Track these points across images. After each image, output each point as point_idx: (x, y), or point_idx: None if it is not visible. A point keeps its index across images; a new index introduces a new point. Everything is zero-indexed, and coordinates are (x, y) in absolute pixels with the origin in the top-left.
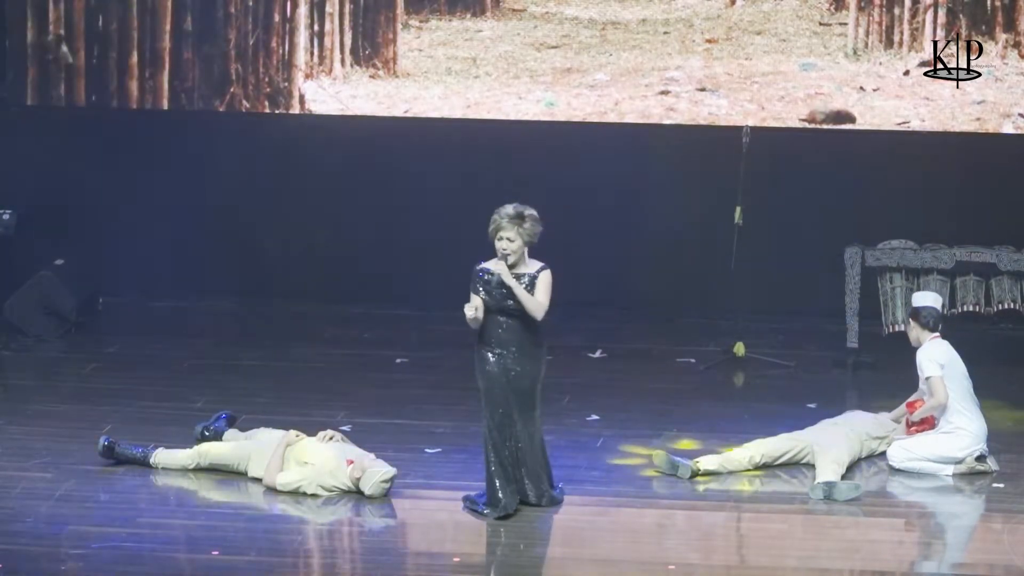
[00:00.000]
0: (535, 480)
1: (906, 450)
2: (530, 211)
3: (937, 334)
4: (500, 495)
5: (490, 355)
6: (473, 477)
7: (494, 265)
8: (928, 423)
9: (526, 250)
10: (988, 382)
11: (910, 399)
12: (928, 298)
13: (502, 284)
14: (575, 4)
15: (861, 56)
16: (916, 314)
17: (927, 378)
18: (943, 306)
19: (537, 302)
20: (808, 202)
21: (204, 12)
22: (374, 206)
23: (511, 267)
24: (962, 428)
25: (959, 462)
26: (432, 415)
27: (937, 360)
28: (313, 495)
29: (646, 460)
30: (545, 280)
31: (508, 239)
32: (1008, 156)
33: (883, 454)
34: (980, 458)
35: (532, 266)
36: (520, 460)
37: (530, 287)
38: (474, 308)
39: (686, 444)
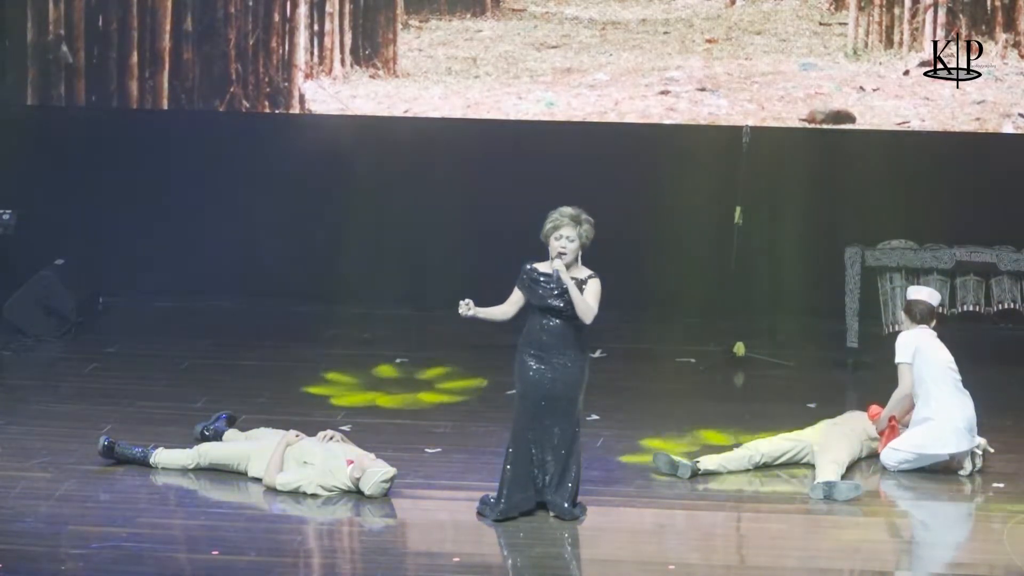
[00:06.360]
0: (550, 488)
1: (895, 450)
2: (586, 215)
3: (924, 326)
4: (503, 498)
5: (529, 359)
6: (473, 477)
7: (547, 265)
8: (895, 427)
9: (580, 254)
10: (988, 382)
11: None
12: (922, 292)
13: (560, 282)
14: (575, 4)
15: (861, 56)
16: (907, 306)
17: (896, 364)
18: (941, 304)
19: (588, 305)
20: (808, 202)
21: (204, 12)
22: (374, 206)
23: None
24: (938, 416)
25: (951, 457)
26: (432, 415)
27: (909, 347)
28: (313, 495)
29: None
30: (595, 287)
31: (568, 238)
32: (1008, 156)
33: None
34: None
35: (582, 272)
36: (543, 468)
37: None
38: (466, 305)
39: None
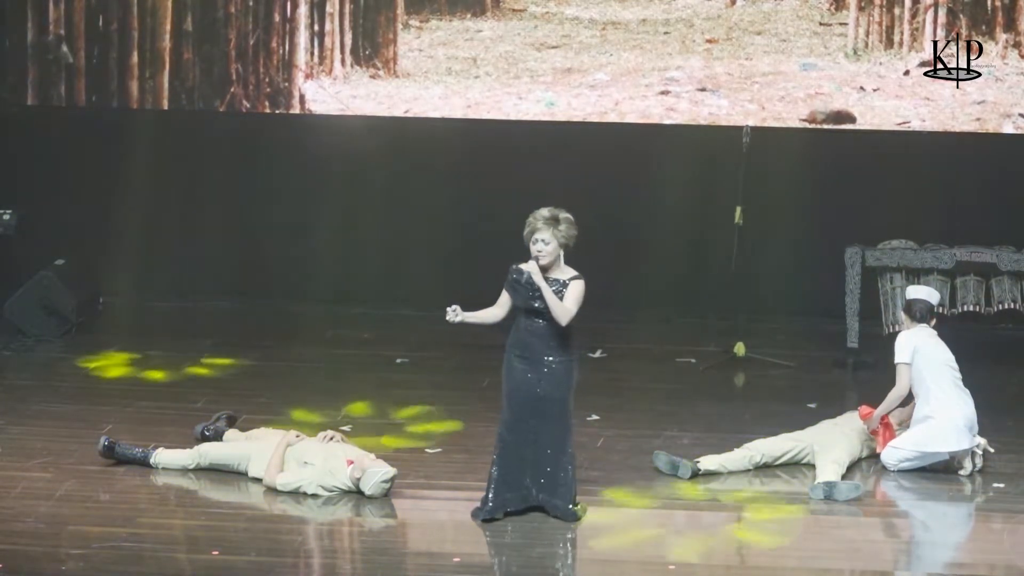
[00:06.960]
0: (545, 491)
1: (896, 449)
2: (565, 214)
3: (923, 325)
4: (489, 497)
5: (515, 359)
6: (473, 477)
7: (527, 266)
8: (889, 426)
9: (561, 255)
10: (988, 382)
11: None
12: (922, 291)
13: (531, 283)
14: (575, 4)
15: (861, 56)
16: (907, 305)
17: (895, 364)
18: (941, 304)
19: (563, 307)
20: (808, 202)
21: (204, 12)
22: (374, 206)
23: (544, 270)
24: (938, 414)
25: (951, 456)
26: (432, 415)
27: (908, 347)
28: (313, 495)
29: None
30: (575, 288)
31: (543, 241)
32: (1008, 156)
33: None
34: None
35: (566, 273)
36: (534, 468)
37: (560, 294)
38: (454, 312)
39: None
